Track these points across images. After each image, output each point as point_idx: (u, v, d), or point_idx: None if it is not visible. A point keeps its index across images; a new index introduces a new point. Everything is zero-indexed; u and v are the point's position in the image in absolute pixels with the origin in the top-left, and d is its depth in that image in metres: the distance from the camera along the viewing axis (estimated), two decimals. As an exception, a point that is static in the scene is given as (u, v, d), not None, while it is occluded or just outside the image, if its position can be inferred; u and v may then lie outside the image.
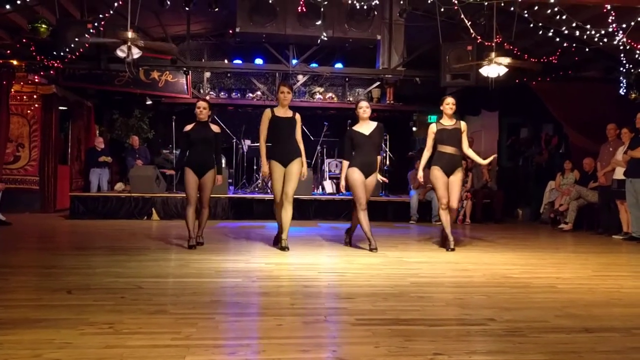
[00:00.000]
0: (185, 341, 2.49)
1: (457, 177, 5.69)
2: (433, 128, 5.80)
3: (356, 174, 5.46)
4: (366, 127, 5.59)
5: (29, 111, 10.24)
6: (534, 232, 8.49)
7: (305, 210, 9.36)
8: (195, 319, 2.86)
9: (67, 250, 5.74)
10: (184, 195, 5.73)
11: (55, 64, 8.84)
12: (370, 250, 5.47)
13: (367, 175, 5.50)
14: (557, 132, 11.04)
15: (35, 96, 10.22)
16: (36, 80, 9.92)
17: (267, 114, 5.45)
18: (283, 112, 5.46)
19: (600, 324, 2.92)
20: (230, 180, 10.55)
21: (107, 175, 10.77)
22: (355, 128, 5.61)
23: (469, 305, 3.36)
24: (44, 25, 7.76)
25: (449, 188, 5.69)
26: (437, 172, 5.71)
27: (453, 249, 5.65)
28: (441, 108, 5.82)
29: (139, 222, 8.73)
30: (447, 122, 5.80)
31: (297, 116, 5.55)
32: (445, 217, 5.75)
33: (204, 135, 5.54)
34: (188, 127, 5.62)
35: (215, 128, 5.65)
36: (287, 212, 5.42)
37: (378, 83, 11.81)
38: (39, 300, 3.28)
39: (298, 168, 5.42)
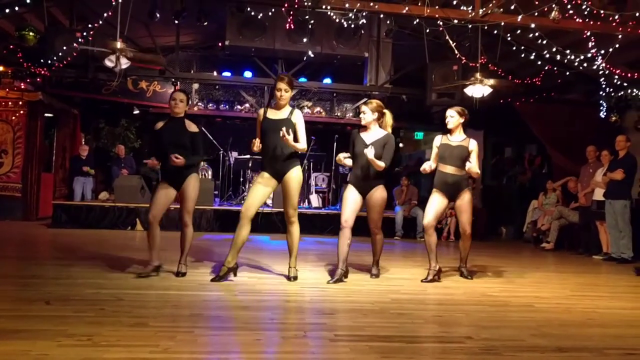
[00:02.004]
0: (163, 354, 2.49)
1: (463, 200, 4.98)
2: (436, 141, 5.11)
3: (347, 192, 4.77)
4: (371, 134, 4.78)
5: (13, 117, 10.15)
6: (516, 250, 8.58)
7: (290, 223, 9.35)
8: (175, 332, 2.86)
9: (47, 259, 5.68)
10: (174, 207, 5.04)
11: (43, 72, 8.82)
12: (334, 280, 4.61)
13: (365, 193, 4.73)
14: (540, 152, 11.23)
15: (20, 103, 10.13)
16: (22, 86, 9.86)
17: (259, 115, 4.60)
18: (275, 112, 4.57)
19: (574, 344, 2.98)
20: (216, 192, 10.53)
21: (92, 184, 10.69)
22: (361, 132, 4.85)
23: (448, 323, 3.40)
24: (31, 33, 7.74)
25: (458, 214, 5.13)
26: (433, 194, 5.00)
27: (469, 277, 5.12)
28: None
29: (122, 233, 8.66)
30: (454, 138, 5.03)
31: (295, 115, 4.53)
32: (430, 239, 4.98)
33: (177, 136, 4.52)
34: (159, 125, 4.63)
35: (192, 126, 4.60)
36: (292, 235, 4.62)
37: (365, 99, 11.89)
38: (16, 311, 3.25)
39: (296, 180, 4.52)
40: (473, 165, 4.99)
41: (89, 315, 3.15)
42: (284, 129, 4.31)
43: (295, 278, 4.66)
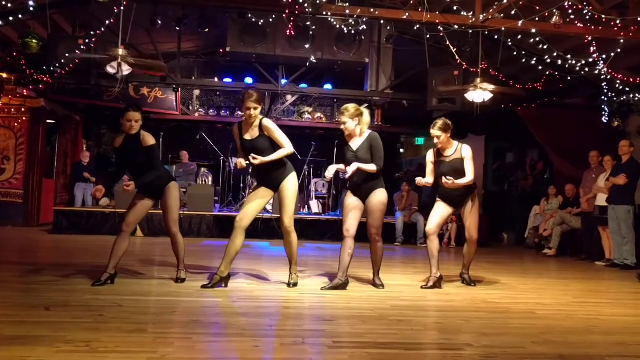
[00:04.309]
0: (161, 362, 2.48)
1: (469, 206, 4.95)
2: (429, 156, 5.00)
3: (347, 200, 4.70)
4: (357, 140, 4.67)
5: (16, 124, 10.19)
6: (518, 256, 8.54)
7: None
8: (173, 338, 2.85)
9: (48, 265, 5.65)
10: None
11: (45, 78, 8.85)
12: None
13: (364, 199, 4.61)
14: (542, 158, 11.20)
15: (23, 109, 10.17)
16: (25, 93, 9.89)
17: (235, 131, 4.53)
18: (248, 130, 4.44)
19: (575, 351, 2.95)
20: (216, 198, 10.53)
21: (93, 190, 10.69)
22: (350, 141, 4.74)
23: (448, 330, 3.37)
24: (34, 41, 7.77)
25: (464, 219, 5.08)
26: (438, 202, 5.01)
27: (472, 284, 5.08)
28: None
29: (123, 238, 8.62)
30: (446, 151, 4.89)
31: (266, 127, 4.37)
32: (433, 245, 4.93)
33: (133, 153, 4.44)
34: (118, 142, 4.53)
35: (147, 140, 4.44)
36: (291, 244, 4.60)
37: (366, 105, 11.89)
38: (15, 317, 3.24)
39: (291, 189, 4.45)
40: (464, 179, 4.76)
41: (87, 321, 3.14)
42: (251, 156, 4.29)
43: (295, 284, 4.64)
